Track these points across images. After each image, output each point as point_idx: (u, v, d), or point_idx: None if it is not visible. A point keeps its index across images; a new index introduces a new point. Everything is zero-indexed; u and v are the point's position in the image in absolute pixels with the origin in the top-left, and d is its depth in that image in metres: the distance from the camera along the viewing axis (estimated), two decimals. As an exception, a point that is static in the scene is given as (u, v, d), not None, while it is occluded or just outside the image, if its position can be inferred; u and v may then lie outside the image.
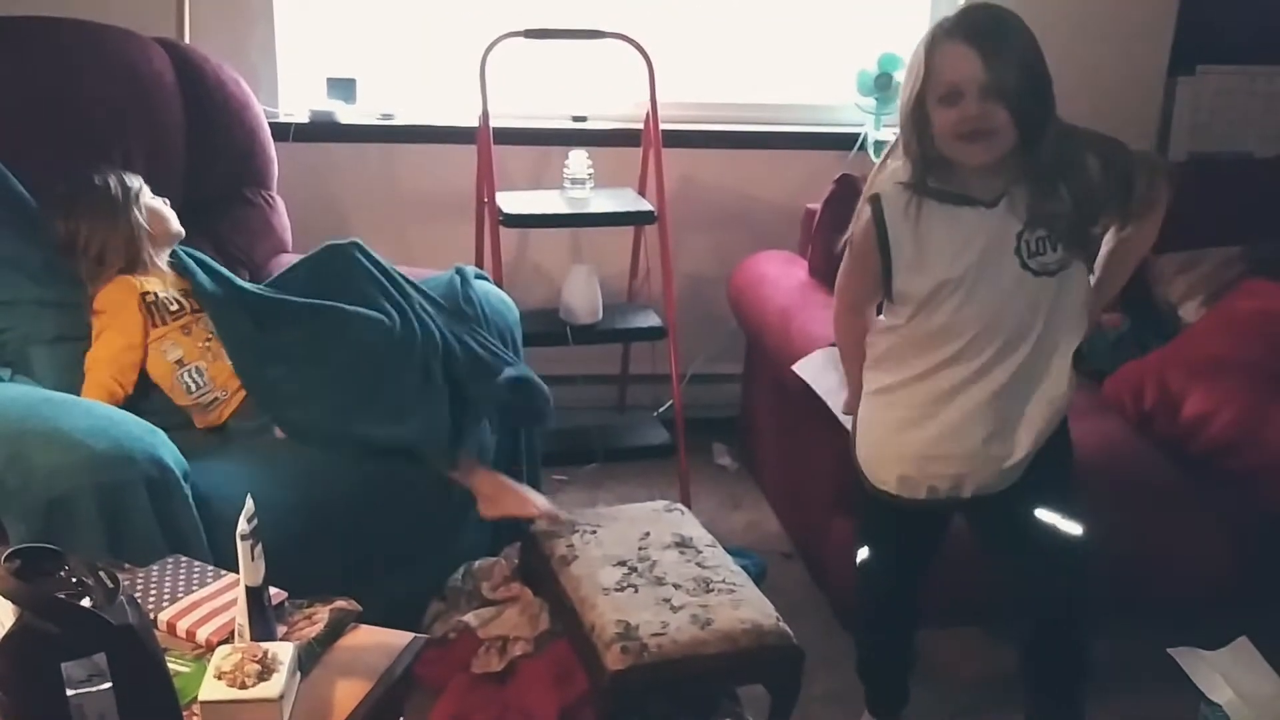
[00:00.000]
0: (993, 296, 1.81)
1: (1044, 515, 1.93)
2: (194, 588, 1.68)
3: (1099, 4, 3.29)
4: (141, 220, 2.34)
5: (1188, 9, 3.39)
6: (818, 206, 2.96)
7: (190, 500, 1.95)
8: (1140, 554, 2.34)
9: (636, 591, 2.07)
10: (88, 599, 1.28)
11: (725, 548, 2.29)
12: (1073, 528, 1.93)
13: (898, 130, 1.83)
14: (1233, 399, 2.55)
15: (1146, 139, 3.46)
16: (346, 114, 3.14)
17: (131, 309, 2.27)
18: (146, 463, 1.89)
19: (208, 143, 2.74)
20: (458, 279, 2.53)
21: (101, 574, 1.31)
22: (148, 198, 2.39)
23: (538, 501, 2.33)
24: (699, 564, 2.17)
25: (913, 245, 1.83)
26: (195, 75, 2.75)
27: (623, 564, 2.16)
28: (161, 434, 1.99)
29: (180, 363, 2.29)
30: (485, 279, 2.66)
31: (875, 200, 1.84)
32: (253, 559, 1.52)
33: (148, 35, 2.74)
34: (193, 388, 2.29)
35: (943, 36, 1.73)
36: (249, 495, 1.52)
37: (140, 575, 1.71)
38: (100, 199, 2.32)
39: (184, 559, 1.76)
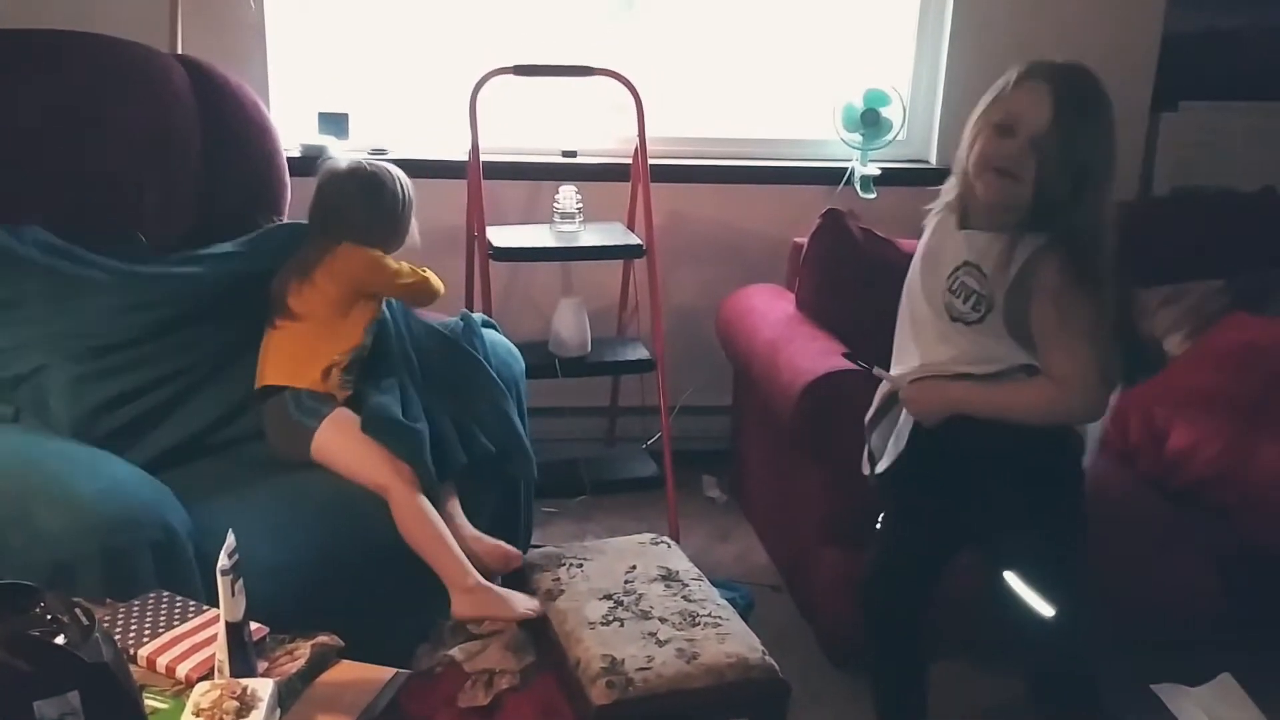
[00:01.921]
0: (915, 314, 1.91)
1: (1013, 582, 1.88)
2: (175, 623, 1.68)
3: (1082, 40, 3.32)
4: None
5: (1170, 46, 3.44)
6: (805, 240, 2.98)
7: (194, 561, 1.93)
8: (1125, 588, 2.34)
9: (622, 625, 2.07)
10: (62, 636, 1.28)
11: (712, 580, 2.29)
12: (1042, 607, 1.86)
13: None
14: (1217, 433, 2.56)
15: (1132, 173, 3.50)
16: (338, 148, 3.16)
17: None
18: (153, 528, 1.87)
19: (225, 165, 2.62)
20: (461, 324, 2.53)
21: (77, 610, 1.31)
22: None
23: (519, 604, 2.19)
24: (685, 597, 2.17)
25: (921, 252, 1.95)
26: (215, 96, 2.63)
27: (609, 598, 2.16)
28: (169, 494, 1.98)
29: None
30: (493, 327, 2.64)
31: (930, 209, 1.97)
32: (233, 594, 1.52)
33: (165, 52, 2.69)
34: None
35: (1036, 74, 1.74)
36: (229, 530, 1.53)
37: (121, 610, 1.71)
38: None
39: (165, 594, 1.76)
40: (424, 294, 2.44)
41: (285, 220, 2.68)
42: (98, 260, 2.34)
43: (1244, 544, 2.46)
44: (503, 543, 2.29)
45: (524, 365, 2.61)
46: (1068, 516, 1.91)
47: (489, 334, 2.58)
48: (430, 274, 2.45)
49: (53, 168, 2.43)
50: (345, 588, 2.12)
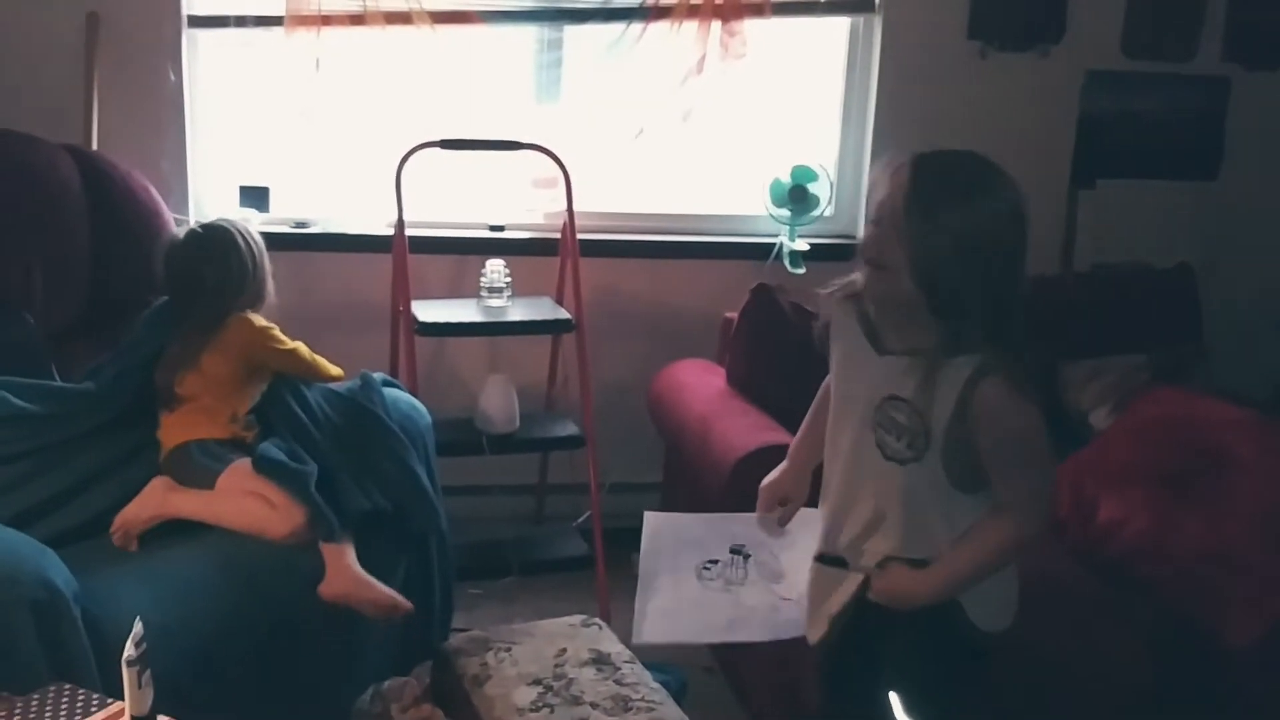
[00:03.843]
0: (844, 453, 1.76)
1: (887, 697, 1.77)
2: (76, 717, 1.58)
3: (1002, 118, 3.41)
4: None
5: (1087, 126, 3.54)
6: (735, 315, 2.98)
7: (80, 624, 1.83)
8: (1054, 662, 2.32)
9: (552, 712, 2.00)
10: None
11: (645, 663, 2.23)
12: None
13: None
14: (1146, 505, 2.57)
15: (1053, 249, 3.56)
16: (259, 222, 3.11)
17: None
18: (33, 585, 1.78)
19: (114, 249, 2.66)
20: (359, 384, 2.47)
21: (-31, 707, 1.22)
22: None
23: (381, 591, 2.17)
24: (616, 681, 2.12)
25: (836, 350, 1.81)
26: (103, 182, 2.68)
27: (538, 683, 2.09)
28: (52, 554, 1.89)
29: None
30: (394, 385, 2.61)
31: (829, 289, 1.83)
32: (140, 686, 1.43)
33: (55, 141, 2.69)
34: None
35: (907, 161, 1.65)
36: (137, 618, 1.45)
37: (19, 704, 1.61)
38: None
39: (67, 686, 1.66)
40: (314, 373, 2.43)
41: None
42: None
43: (1172, 618, 2.46)
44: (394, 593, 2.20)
45: (430, 420, 2.54)
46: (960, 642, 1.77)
47: (390, 391, 2.52)
48: (323, 360, 2.45)
49: None
50: (251, 656, 2.04)
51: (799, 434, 1.99)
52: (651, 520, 2.12)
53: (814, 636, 1.85)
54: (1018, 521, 1.67)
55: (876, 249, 1.65)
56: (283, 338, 2.39)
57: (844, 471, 1.78)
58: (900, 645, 1.75)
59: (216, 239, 2.38)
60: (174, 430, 2.31)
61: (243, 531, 2.17)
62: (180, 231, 2.45)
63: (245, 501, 2.19)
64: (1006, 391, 1.61)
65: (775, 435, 2.51)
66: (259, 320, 2.38)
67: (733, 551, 2.03)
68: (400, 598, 2.19)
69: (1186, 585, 2.45)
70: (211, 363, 2.31)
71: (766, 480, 1.96)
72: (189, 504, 2.21)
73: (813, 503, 1.89)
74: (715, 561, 2.02)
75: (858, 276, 1.75)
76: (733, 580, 2.01)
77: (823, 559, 1.82)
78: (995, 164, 1.67)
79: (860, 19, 3.44)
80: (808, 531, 1.89)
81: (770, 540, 1.99)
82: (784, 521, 1.95)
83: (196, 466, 2.24)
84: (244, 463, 2.24)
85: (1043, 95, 3.49)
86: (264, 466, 2.21)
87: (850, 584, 1.77)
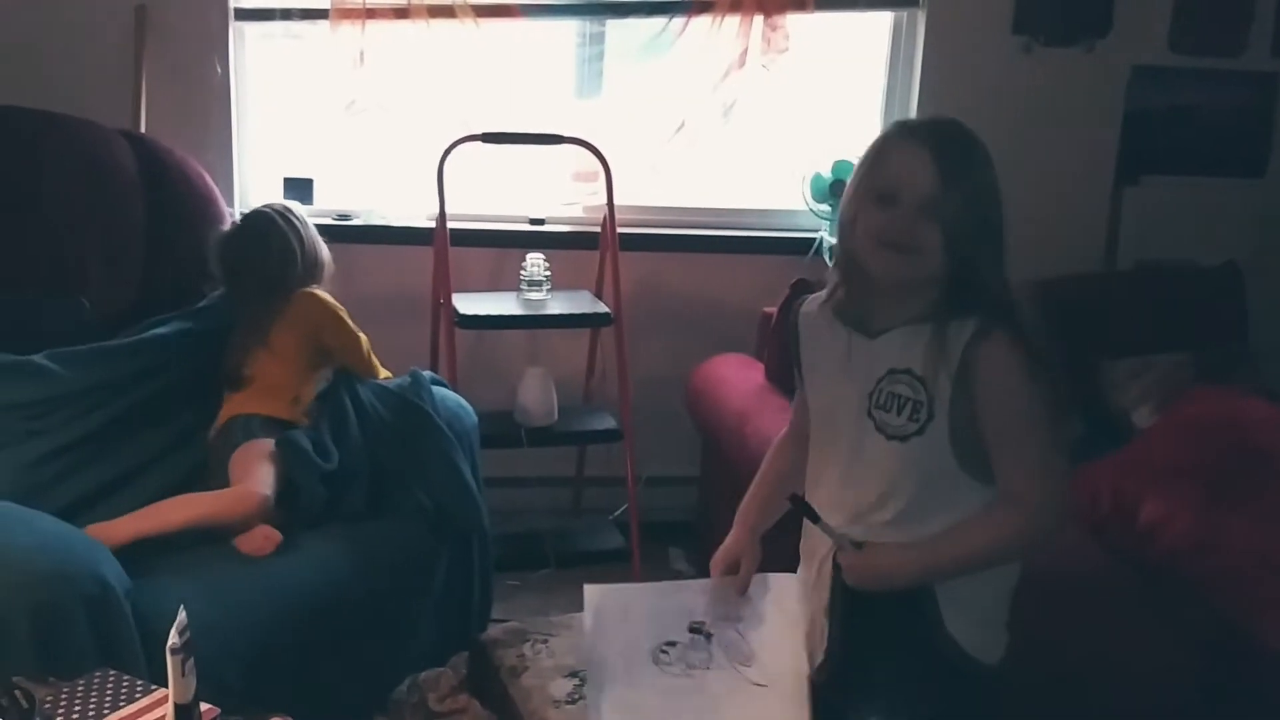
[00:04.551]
0: (840, 445, 1.63)
1: None
2: (121, 703, 1.61)
3: (1046, 116, 3.38)
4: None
5: (1132, 122, 3.50)
6: (774, 310, 2.97)
7: (131, 620, 1.86)
8: (1095, 666, 2.30)
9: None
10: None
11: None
12: None
13: None
14: (1189, 505, 2.54)
15: (1096, 247, 3.53)
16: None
17: None
18: (86, 581, 1.81)
19: (168, 237, 2.66)
20: (409, 380, 2.51)
21: (17, 693, 1.24)
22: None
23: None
24: (652, 674, 2.11)
25: (808, 364, 1.70)
26: (159, 168, 2.69)
27: (575, 675, 2.10)
28: (105, 550, 1.92)
29: None
30: (442, 384, 2.63)
31: (799, 305, 1.72)
32: (183, 674, 1.45)
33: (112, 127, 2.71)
34: None
35: (903, 134, 1.59)
36: (181, 607, 1.47)
37: (65, 689, 1.63)
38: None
39: (113, 672, 1.69)
40: (367, 367, 2.53)
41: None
42: (40, 362, 2.31)
43: (1215, 619, 2.43)
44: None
45: (476, 420, 2.58)
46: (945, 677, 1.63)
47: (439, 390, 2.56)
48: (377, 360, 2.57)
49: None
50: (293, 650, 2.06)
51: (747, 497, 1.84)
52: (592, 595, 1.82)
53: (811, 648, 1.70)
54: (1019, 512, 1.54)
55: (901, 233, 1.53)
56: (350, 322, 2.48)
57: (841, 478, 1.64)
58: (886, 677, 1.62)
59: (254, 223, 2.48)
60: (236, 406, 2.36)
61: (198, 522, 2.16)
62: (225, 227, 2.55)
63: (189, 501, 2.20)
64: (1009, 348, 1.51)
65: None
66: (329, 298, 2.47)
67: (692, 630, 1.76)
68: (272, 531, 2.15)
69: (1229, 586, 2.43)
70: (280, 340, 2.40)
71: (719, 550, 1.80)
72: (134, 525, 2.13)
73: (772, 567, 1.76)
74: (674, 643, 1.75)
75: (832, 277, 1.66)
76: (695, 664, 1.73)
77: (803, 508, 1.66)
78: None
79: (904, 13, 3.42)
80: (775, 604, 1.74)
81: (732, 613, 1.76)
82: (741, 588, 1.75)
83: (236, 441, 2.29)
84: (262, 441, 2.28)
85: (1088, 90, 3.45)
86: (285, 447, 2.26)
87: (824, 544, 1.64)
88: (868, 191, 1.57)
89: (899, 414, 1.56)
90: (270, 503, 2.19)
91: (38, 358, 2.29)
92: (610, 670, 1.72)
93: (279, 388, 2.39)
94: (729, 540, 1.80)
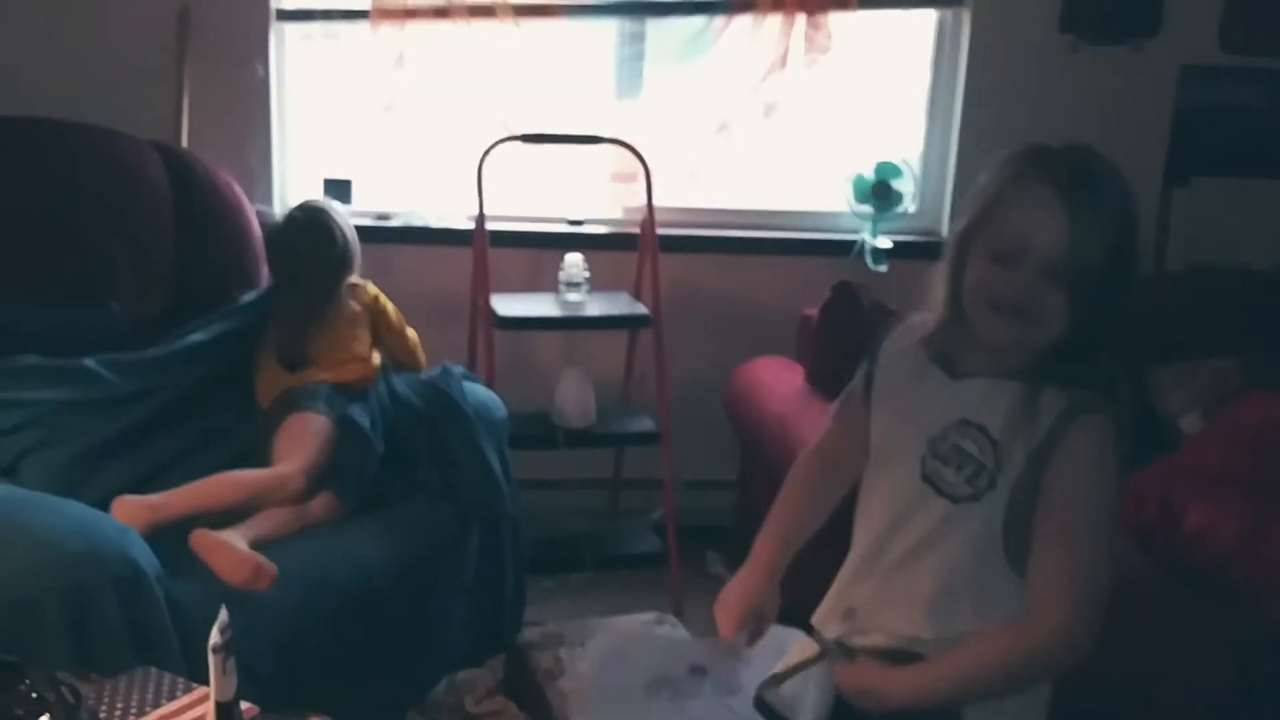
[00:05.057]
0: (888, 486, 1.47)
1: None
2: (162, 701, 1.60)
3: (1094, 113, 3.33)
4: None
5: (1181, 122, 3.44)
6: (814, 312, 2.94)
7: (163, 604, 1.87)
8: (1139, 672, 2.26)
9: (625, 708, 1.99)
10: (47, 715, 1.22)
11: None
12: None
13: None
14: (1237, 512, 2.50)
15: (1145, 249, 3.47)
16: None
17: None
18: (117, 563, 1.82)
19: (198, 245, 2.73)
20: (439, 372, 2.56)
21: (63, 689, 1.25)
22: None
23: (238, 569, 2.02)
24: (690, 679, 2.09)
25: (880, 393, 1.53)
26: (189, 178, 2.75)
27: (611, 679, 2.09)
28: (134, 533, 1.94)
29: None
30: (471, 379, 2.64)
31: (889, 328, 1.55)
32: (224, 673, 1.45)
33: (145, 138, 2.76)
34: None
35: (1032, 177, 1.33)
36: (223, 606, 1.47)
37: (106, 687, 1.63)
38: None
39: (153, 670, 1.69)
40: (414, 356, 2.67)
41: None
42: (90, 365, 2.36)
43: (1262, 626, 2.38)
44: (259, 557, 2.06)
45: (505, 413, 2.60)
46: None
47: (468, 384, 2.59)
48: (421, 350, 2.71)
49: (32, 245, 2.53)
50: (324, 641, 2.07)
51: (765, 531, 1.65)
52: (606, 633, 2.00)
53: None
54: (1039, 627, 1.33)
55: (1019, 298, 1.32)
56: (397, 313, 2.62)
57: (877, 525, 1.48)
58: None
59: (316, 216, 2.56)
60: (298, 380, 2.44)
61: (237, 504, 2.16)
62: (278, 217, 2.63)
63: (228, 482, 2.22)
64: (1100, 437, 1.33)
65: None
66: (376, 290, 2.60)
67: (692, 670, 1.84)
68: (263, 560, 2.03)
69: (1276, 594, 2.38)
70: (344, 322, 2.52)
71: (730, 591, 1.63)
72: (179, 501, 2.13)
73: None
74: (669, 678, 1.83)
75: (925, 318, 1.48)
76: (683, 692, 1.81)
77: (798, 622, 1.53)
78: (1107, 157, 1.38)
79: (949, 12, 3.38)
80: (776, 651, 1.64)
81: (733, 660, 1.75)
82: (753, 641, 1.63)
83: (295, 408, 2.36)
84: (314, 417, 2.33)
85: (1136, 90, 3.40)
86: (346, 425, 2.33)
87: (809, 649, 1.52)
88: (982, 244, 1.36)
89: (958, 471, 1.38)
90: (304, 486, 2.22)
91: (87, 361, 2.34)
92: (600, 693, 1.78)
93: (349, 359, 2.49)
94: (743, 582, 1.62)
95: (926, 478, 1.40)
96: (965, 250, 1.37)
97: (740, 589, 1.61)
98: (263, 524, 2.12)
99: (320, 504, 2.24)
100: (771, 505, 1.69)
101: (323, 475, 2.27)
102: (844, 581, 1.53)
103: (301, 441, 2.29)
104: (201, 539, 1.99)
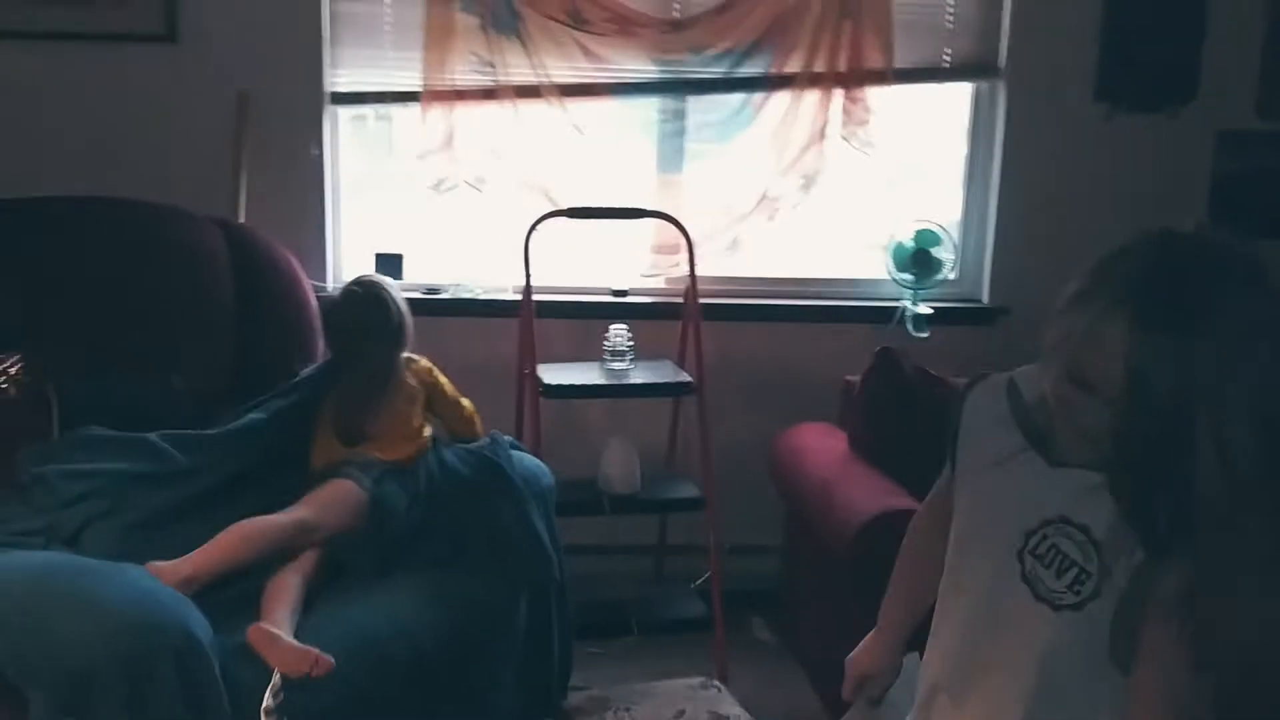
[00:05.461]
0: (973, 595, 1.36)
1: None
2: (217, 764, 1.65)
3: (1131, 183, 3.35)
4: None
5: (1219, 187, 3.45)
6: (856, 379, 2.97)
7: (217, 674, 1.91)
8: None
9: (670, 773, 2.00)
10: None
11: (763, 728, 2.21)
12: None
13: None
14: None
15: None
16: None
17: None
18: (175, 632, 1.87)
19: (258, 319, 2.79)
20: (488, 441, 2.62)
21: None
22: None
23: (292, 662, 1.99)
24: (735, 745, 2.10)
25: (964, 464, 1.41)
26: (249, 253, 2.82)
27: (657, 744, 2.10)
28: (190, 603, 1.99)
29: None
30: (520, 448, 2.69)
31: (971, 386, 1.44)
32: (277, 734, 1.49)
33: (204, 214, 2.85)
34: None
35: (1116, 290, 1.14)
36: (275, 670, 1.51)
37: (164, 749, 1.68)
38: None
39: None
40: (471, 426, 2.71)
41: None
42: (153, 440, 2.44)
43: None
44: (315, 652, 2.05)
45: (553, 481, 2.64)
46: None
47: (516, 452, 2.65)
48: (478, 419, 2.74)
49: (100, 320, 2.61)
50: (377, 705, 2.10)
51: (889, 592, 1.62)
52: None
53: None
54: None
55: (1093, 418, 1.17)
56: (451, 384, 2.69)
57: (967, 623, 1.37)
58: None
59: (372, 292, 2.63)
60: (353, 454, 2.49)
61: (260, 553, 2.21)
62: (336, 294, 2.69)
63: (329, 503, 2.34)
64: None
65: (899, 500, 2.50)
66: (429, 364, 2.67)
67: None
68: (322, 656, 2.02)
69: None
70: (399, 398, 2.58)
71: (853, 656, 1.63)
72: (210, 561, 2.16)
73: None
74: None
75: (1013, 378, 1.37)
76: None
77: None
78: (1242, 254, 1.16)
79: (984, 83, 3.43)
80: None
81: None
82: (876, 703, 1.60)
83: (340, 475, 2.42)
84: (353, 487, 2.38)
85: (1173, 155, 3.42)
86: (379, 505, 2.38)
87: None
88: (1060, 360, 1.18)
89: (1059, 576, 1.25)
90: (324, 539, 2.29)
91: (151, 436, 2.41)
92: None
93: (401, 438, 2.54)
94: (867, 642, 1.62)
95: (1026, 579, 1.28)
96: (1052, 352, 1.20)
97: (860, 653, 1.62)
98: (288, 604, 2.15)
99: (310, 558, 2.26)
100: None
101: (332, 536, 2.32)
102: (932, 678, 1.44)
103: (332, 502, 2.36)
104: (258, 635, 2.01)
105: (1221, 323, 1.11)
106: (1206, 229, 1.21)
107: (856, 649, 1.63)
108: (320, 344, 2.84)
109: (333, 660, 1.99)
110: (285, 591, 2.17)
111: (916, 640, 1.56)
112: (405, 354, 2.65)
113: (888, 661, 1.60)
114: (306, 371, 2.69)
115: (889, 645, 1.60)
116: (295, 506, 2.32)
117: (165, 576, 2.04)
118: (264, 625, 2.02)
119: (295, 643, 2.01)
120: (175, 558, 2.15)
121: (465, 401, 2.73)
